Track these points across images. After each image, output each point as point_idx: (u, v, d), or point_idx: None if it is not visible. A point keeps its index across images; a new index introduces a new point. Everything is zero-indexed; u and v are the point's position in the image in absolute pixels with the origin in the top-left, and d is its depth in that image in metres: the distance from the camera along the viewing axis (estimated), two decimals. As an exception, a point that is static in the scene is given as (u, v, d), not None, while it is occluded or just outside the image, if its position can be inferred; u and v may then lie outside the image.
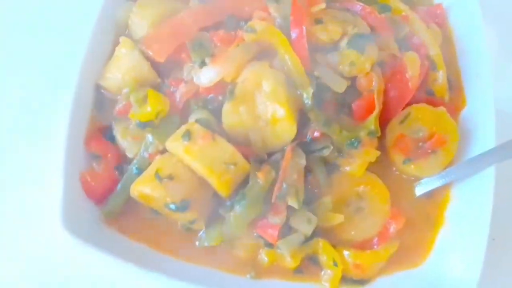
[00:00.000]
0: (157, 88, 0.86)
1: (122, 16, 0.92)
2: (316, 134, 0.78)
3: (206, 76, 0.79)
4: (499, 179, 0.83)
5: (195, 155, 0.74)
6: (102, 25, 0.90)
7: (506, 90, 0.98)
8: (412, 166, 0.83)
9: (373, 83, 0.80)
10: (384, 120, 0.84)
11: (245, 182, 0.78)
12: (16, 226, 0.87)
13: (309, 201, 0.79)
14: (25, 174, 0.91)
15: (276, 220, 0.74)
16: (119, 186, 0.80)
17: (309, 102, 0.76)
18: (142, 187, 0.75)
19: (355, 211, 0.80)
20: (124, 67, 0.85)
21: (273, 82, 0.74)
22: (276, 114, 0.75)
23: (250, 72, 0.76)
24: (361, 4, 0.88)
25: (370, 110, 0.80)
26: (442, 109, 0.85)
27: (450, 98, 0.92)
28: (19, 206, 0.89)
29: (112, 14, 0.92)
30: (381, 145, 0.85)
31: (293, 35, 0.79)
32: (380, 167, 0.84)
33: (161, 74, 0.87)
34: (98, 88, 0.88)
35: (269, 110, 0.75)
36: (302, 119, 0.79)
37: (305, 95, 0.76)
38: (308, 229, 0.76)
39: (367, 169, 0.82)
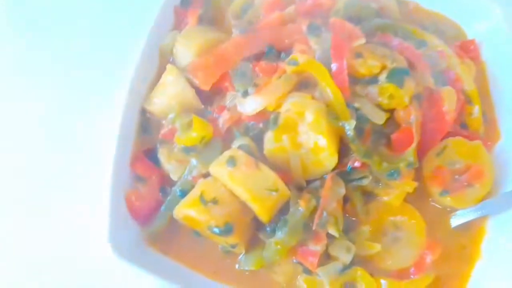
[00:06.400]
0: (201, 114, 0.87)
1: (167, 45, 0.95)
2: (357, 164, 0.79)
3: (250, 106, 0.82)
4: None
5: (238, 181, 0.75)
6: (148, 53, 0.93)
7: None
8: (449, 198, 0.83)
9: (411, 116, 0.81)
10: (421, 152, 0.84)
11: (283, 208, 0.78)
12: (64, 245, 0.89)
13: (347, 230, 0.79)
14: (73, 194, 0.93)
15: (317, 247, 0.75)
16: (163, 207, 0.82)
17: (351, 134, 0.77)
18: (187, 210, 0.76)
19: (392, 240, 0.81)
20: (170, 93, 0.88)
21: (315, 113, 0.76)
22: (318, 144, 0.76)
23: (293, 103, 0.78)
24: (398, 39, 0.89)
25: (408, 142, 0.80)
26: (478, 142, 0.85)
27: (485, 131, 0.92)
28: (68, 225, 0.90)
29: (157, 43, 0.95)
30: (418, 176, 0.84)
31: (334, 67, 0.81)
32: (416, 197, 0.84)
33: (204, 101, 0.90)
34: (143, 112, 0.90)
35: (311, 139, 0.76)
36: (342, 148, 0.80)
37: (347, 127, 0.77)
38: (347, 258, 0.76)
39: (404, 199, 0.83)
